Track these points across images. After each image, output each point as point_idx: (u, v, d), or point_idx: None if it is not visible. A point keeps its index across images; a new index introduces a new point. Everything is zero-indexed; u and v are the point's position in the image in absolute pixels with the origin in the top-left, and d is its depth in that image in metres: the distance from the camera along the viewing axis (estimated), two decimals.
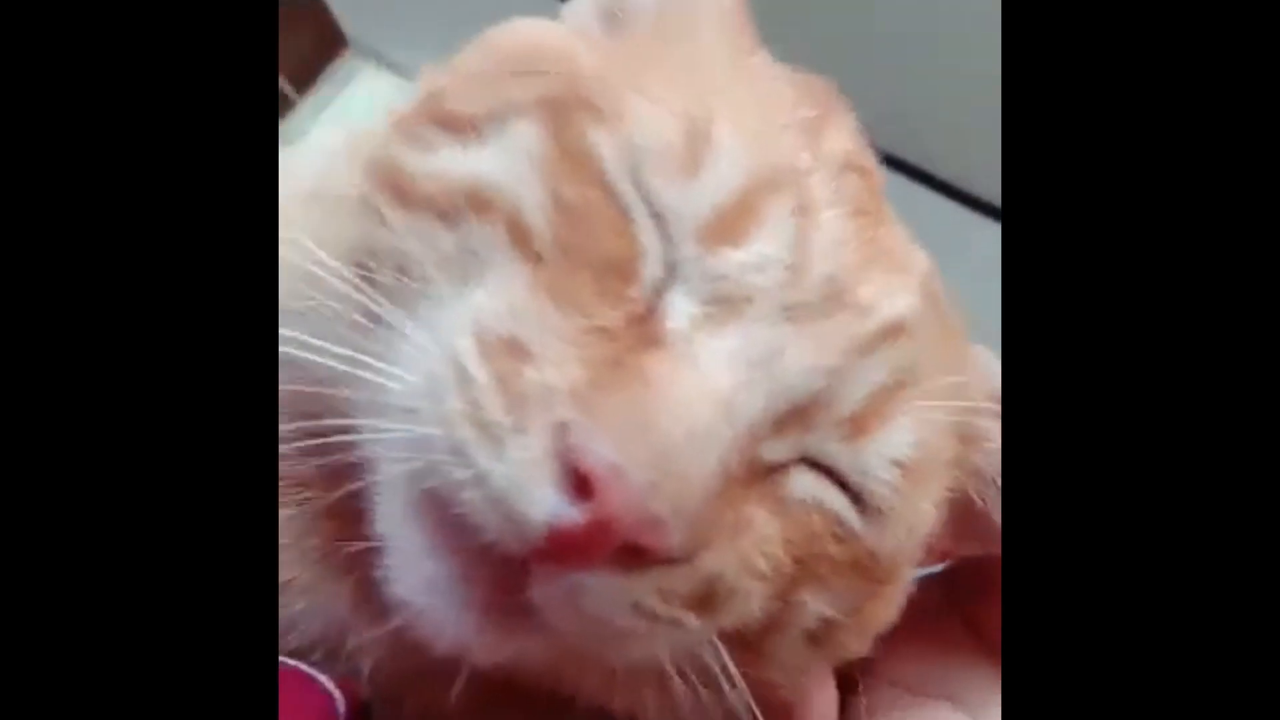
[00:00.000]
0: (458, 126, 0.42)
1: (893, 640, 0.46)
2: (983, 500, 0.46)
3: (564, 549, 0.34)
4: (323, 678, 0.43)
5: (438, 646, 0.38)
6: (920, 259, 0.45)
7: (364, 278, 0.40)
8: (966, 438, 0.44)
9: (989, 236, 1.17)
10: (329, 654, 0.44)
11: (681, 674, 0.39)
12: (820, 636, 0.42)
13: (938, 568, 0.51)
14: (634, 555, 0.35)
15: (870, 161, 0.46)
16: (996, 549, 0.48)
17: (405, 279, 0.39)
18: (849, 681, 0.49)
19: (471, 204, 0.39)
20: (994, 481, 0.46)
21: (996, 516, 0.46)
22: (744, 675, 0.39)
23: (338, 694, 0.42)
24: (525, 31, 0.46)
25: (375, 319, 0.39)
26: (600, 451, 0.34)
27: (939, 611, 0.52)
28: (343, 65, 1.75)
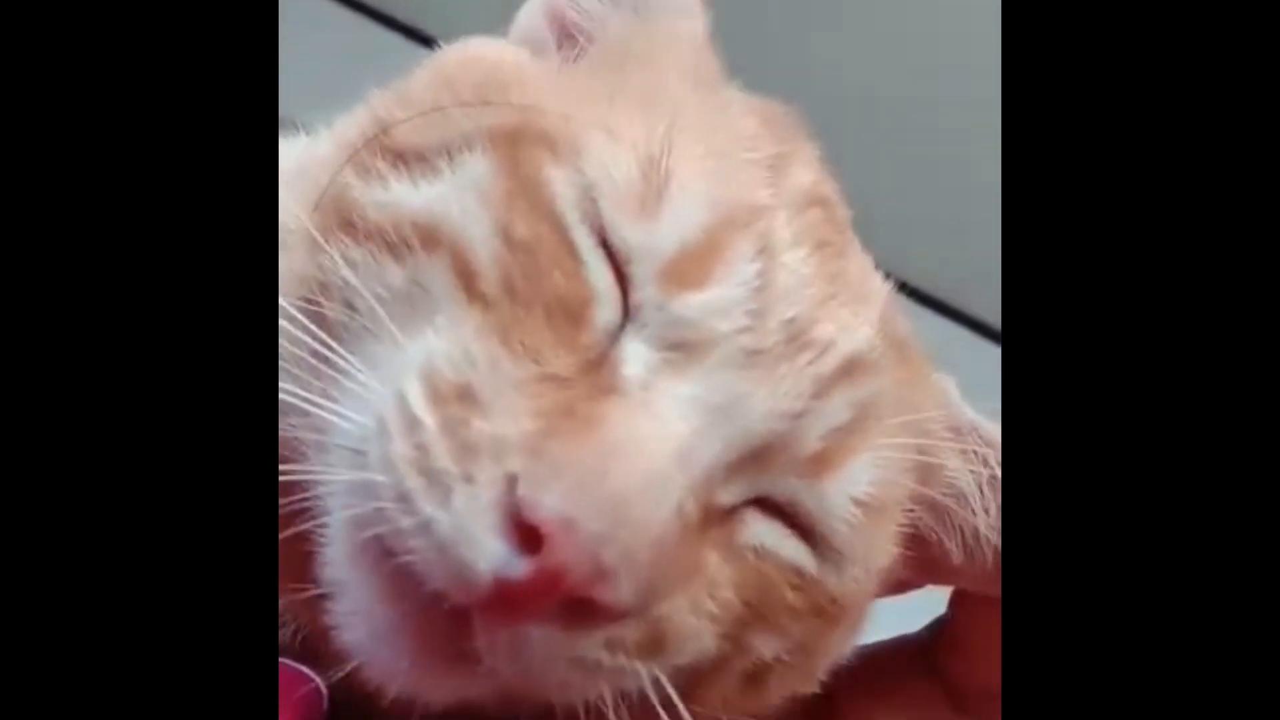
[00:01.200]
0: (408, 159, 0.40)
1: (868, 695, 0.46)
2: (938, 538, 0.45)
3: (509, 601, 0.33)
4: (305, 669, 0.42)
5: (387, 692, 0.37)
6: (879, 287, 0.44)
7: (313, 314, 0.39)
8: (925, 471, 0.44)
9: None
10: None
11: (627, 708, 0.38)
12: (759, 676, 0.41)
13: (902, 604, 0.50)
14: (582, 609, 0.34)
15: (833, 192, 0.45)
16: (953, 582, 0.47)
17: (354, 315, 0.39)
18: None
19: (421, 239, 0.39)
20: (951, 522, 0.45)
21: (954, 555, 0.45)
22: (693, 712, 0.38)
23: (322, 684, 0.41)
24: (477, 55, 0.45)
25: (324, 358, 0.38)
26: (549, 502, 0.33)
27: (912, 674, 0.50)
28: None
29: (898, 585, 0.48)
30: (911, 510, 0.44)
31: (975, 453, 0.44)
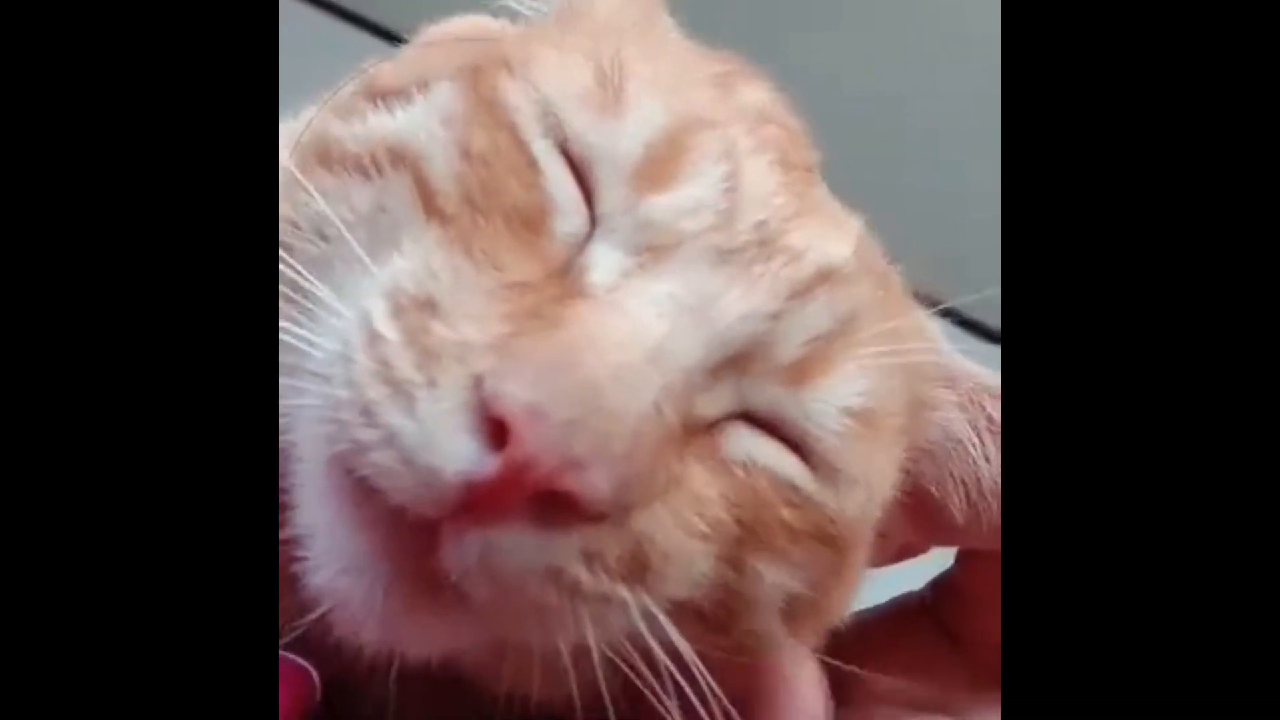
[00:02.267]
0: (388, 96, 0.41)
1: (876, 658, 0.44)
2: (939, 491, 0.44)
3: (477, 500, 0.32)
4: (298, 658, 0.40)
5: (364, 641, 0.35)
6: (854, 223, 0.43)
7: (287, 249, 0.39)
8: (918, 401, 0.42)
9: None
10: None
11: (621, 658, 0.35)
12: (791, 613, 0.40)
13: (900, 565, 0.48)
14: (555, 507, 0.32)
15: (793, 122, 0.44)
16: (959, 542, 0.45)
17: (325, 244, 0.38)
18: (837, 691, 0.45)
19: (389, 158, 0.39)
20: (951, 473, 0.43)
21: (957, 510, 0.43)
22: (705, 659, 0.36)
23: (314, 673, 0.40)
24: (458, 22, 0.47)
25: (298, 288, 0.38)
26: (515, 391, 0.31)
27: (918, 633, 0.49)
28: None
29: (903, 550, 0.46)
30: (912, 460, 0.42)
31: (971, 400, 0.43)
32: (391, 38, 0.49)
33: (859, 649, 0.43)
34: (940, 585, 0.49)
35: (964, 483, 0.43)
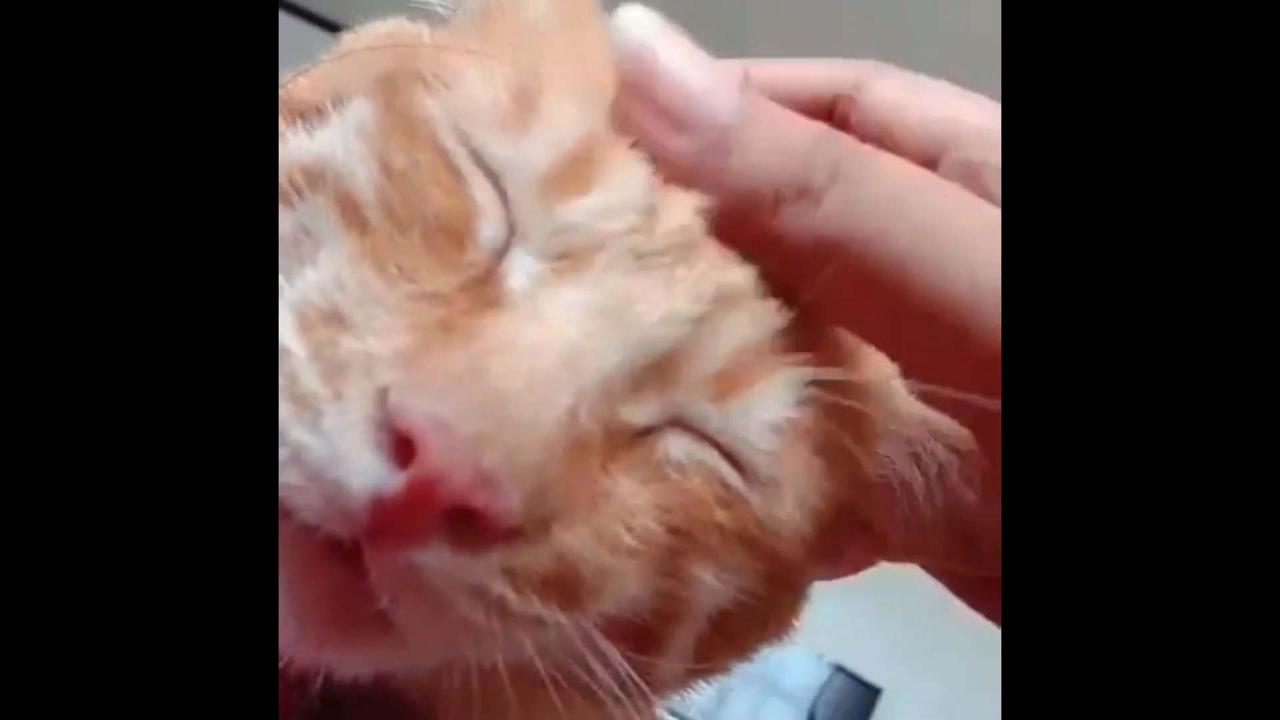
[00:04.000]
0: (306, 114, 0.41)
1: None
2: (880, 525, 0.43)
3: (388, 520, 0.31)
4: None
5: (294, 662, 0.35)
6: None
7: None
8: (860, 428, 0.41)
9: None
10: None
11: (565, 680, 0.35)
12: (715, 631, 0.39)
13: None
14: (468, 526, 0.31)
15: None
16: (894, 560, 0.45)
17: None
18: None
19: (307, 181, 0.38)
20: (893, 511, 0.42)
21: (895, 543, 0.43)
22: (644, 672, 0.36)
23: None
24: (375, 27, 0.46)
25: None
26: (420, 406, 0.31)
27: None
28: None
29: (855, 565, 0.46)
30: (856, 491, 0.41)
31: (921, 443, 0.41)
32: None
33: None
34: None
35: (906, 521, 0.42)
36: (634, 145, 0.37)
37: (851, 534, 0.43)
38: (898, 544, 0.43)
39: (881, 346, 0.38)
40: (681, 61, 0.36)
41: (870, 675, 2.11)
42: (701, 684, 0.44)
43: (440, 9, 0.46)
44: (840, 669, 2.11)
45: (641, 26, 0.37)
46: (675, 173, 0.36)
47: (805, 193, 0.35)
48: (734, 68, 0.38)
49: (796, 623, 0.44)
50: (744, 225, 0.36)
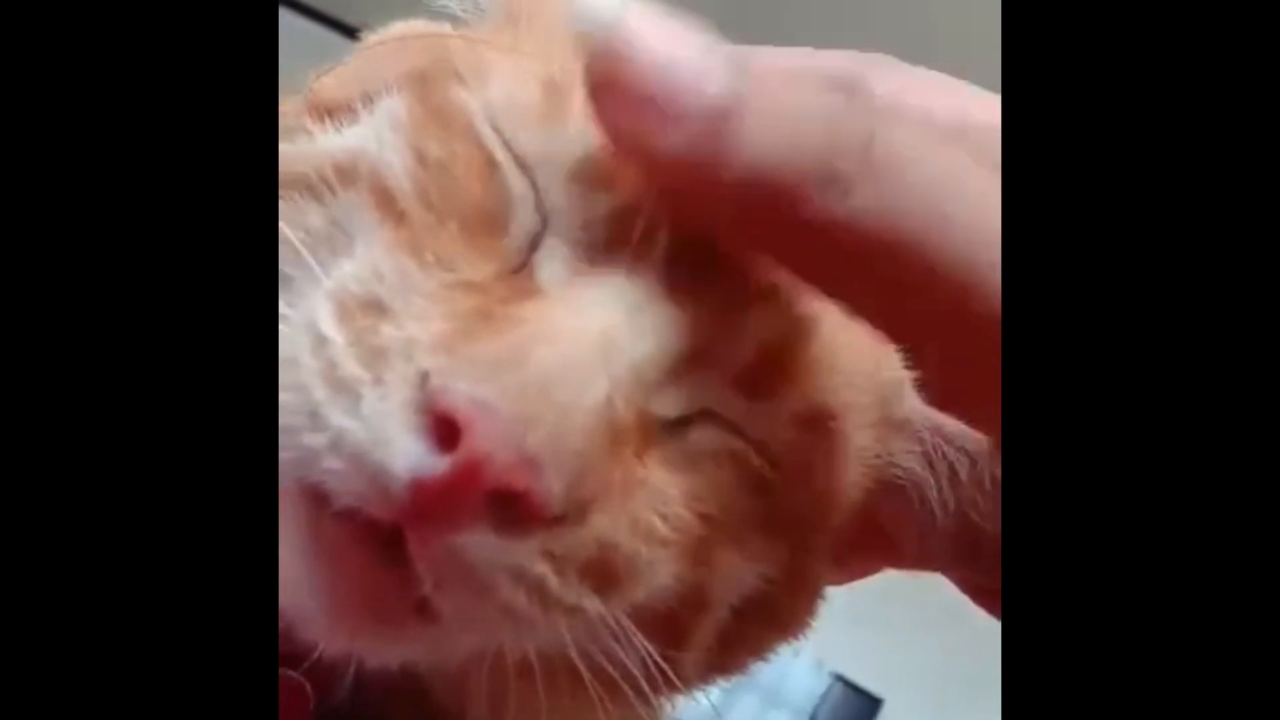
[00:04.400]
0: (334, 111, 0.41)
1: None
2: (893, 527, 0.43)
3: (431, 503, 0.31)
4: (290, 671, 0.40)
5: (327, 651, 0.35)
6: None
7: None
8: (885, 425, 0.42)
9: None
10: None
11: (593, 670, 0.35)
12: (749, 614, 0.39)
13: None
14: (510, 509, 0.31)
15: None
16: (904, 568, 0.45)
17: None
18: None
19: (339, 176, 0.38)
20: (908, 513, 0.43)
21: (907, 548, 0.43)
22: (669, 661, 0.36)
23: (308, 685, 0.40)
24: (400, 28, 0.46)
25: None
26: (464, 389, 0.31)
27: None
28: None
29: (861, 572, 0.46)
30: (874, 488, 0.42)
31: (934, 448, 0.42)
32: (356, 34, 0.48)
33: None
34: None
35: (918, 525, 0.43)
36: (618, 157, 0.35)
37: (864, 536, 0.43)
38: (910, 549, 0.44)
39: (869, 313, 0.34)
40: (659, 39, 0.30)
41: (871, 686, 2.10)
42: (718, 682, 0.45)
43: (458, 11, 0.46)
44: (841, 679, 2.10)
45: (605, 6, 0.31)
46: (670, 181, 0.32)
47: (832, 181, 0.29)
48: (726, 49, 0.32)
49: (812, 621, 0.44)
50: (755, 226, 0.31)
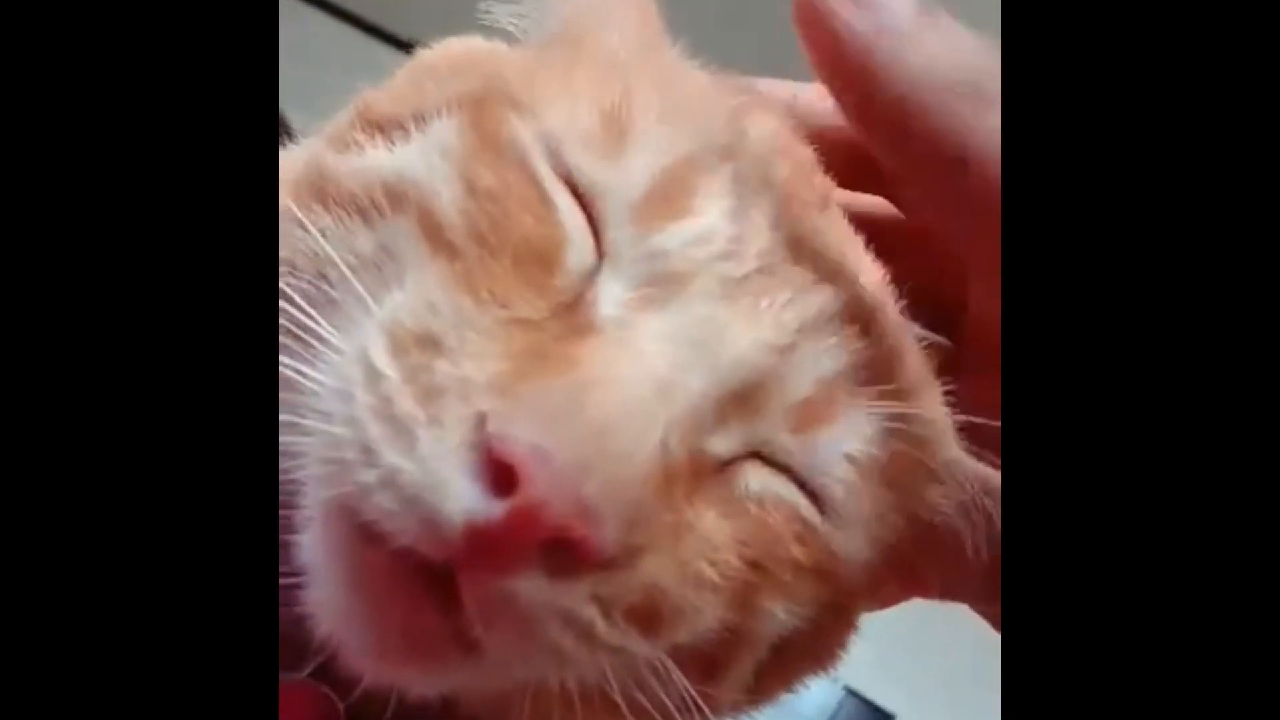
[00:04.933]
0: (385, 128, 0.40)
1: None
2: (923, 566, 0.43)
3: (486, 548, 0.31)
4: (321, 685, 0.40)
5: (368, 681, 0.35)
6: (871, 267, 0.42)
7: (285, 291, 0.38)
8: (923, 473, 0.41)
9: None
10: None
11: (631, 705, 0.35)
12: (786, 651, 0.39)
13: None
14: (564, 554, 0.31)
15: (804, 153, 0.43)
16: (930, 597, 0.45)
17: (325, 286, 0.38)
18: None
19: (389, 199, 0.38)
20: (939, 556, 0.42)
21: (933, 585, 0.44)
22: (705, 697, 0.36)
23: (338, 700, 0.40)
24: (454, 45, 0.46)
25: (304, 329, 0.37)
26: (522, 435, 0.31)
27: None
28: None
29: (886, 602, 0.46)
30: (908, 531, 0.41)
31: (973, 498, 0.41)
32: (406, 47, 0.48)
33: None
34: None
35: (948, 567, 0.43)
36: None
37: (896, 571, 0.43)
38: (935, 588, 0.44)
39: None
40: None
41: (882, 699, 2.09)
42: (749, 713, 0.44)
43: (512, 28, 0.46)
44: (852, 693, 2.09)
45: None
46: (844, 52, 0.37)
47: (980, 96, 0.36)
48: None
49: (843, 654, 0.44)
50: (894, 122, 0.37)
